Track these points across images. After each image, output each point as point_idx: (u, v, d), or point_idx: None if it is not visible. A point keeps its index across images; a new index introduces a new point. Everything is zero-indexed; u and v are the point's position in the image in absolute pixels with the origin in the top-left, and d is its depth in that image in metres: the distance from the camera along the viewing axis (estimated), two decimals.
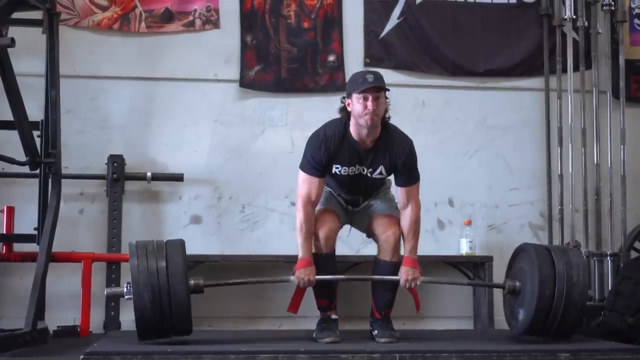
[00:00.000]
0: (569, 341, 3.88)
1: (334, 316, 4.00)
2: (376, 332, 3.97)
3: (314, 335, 3.95)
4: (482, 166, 5.48)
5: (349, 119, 3.86)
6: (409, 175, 3.94)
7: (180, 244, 3.78)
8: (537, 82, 5.59)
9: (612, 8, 5.53)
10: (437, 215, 5.40)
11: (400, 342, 3.87)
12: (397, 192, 3.99)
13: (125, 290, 3.72)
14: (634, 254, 5.35)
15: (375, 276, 4.01)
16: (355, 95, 3.78)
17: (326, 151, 3.85)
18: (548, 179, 5.48)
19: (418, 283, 3.93)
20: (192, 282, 3.77)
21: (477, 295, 5.24)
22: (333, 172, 3.92)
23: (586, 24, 5.48)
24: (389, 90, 3.86)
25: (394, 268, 3.99)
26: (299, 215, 3.87)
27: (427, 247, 5.32)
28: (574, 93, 5.42)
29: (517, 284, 4.00)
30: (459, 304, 5.31)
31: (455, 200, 5.45)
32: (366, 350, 3.50)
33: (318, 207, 3.97)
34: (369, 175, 3.94)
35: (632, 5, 5.73)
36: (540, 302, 3.80)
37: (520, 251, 4.08)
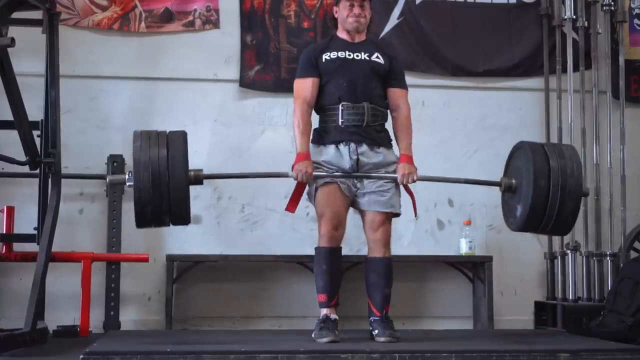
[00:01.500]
0: (570, 340, 3.88)
1: (333, 316, 4.00)
2: (376, 331, 3.97)
3: (313, 335, 3.95)
4: (481, 166, 5.48)
5: (336, 29, 4.20)
6: (399, 79, 4.18)
7: (182, 134, 3.83)
8: (536, 82, 5.60)
9: (612, 8, 5.53)
10: (437, 215, 5.41)
11: (400, 342, 3.87)
12: (389, 94, 4.15)
13: (127, 177, 3.76)
14: (633, 254, 5.36)
15: (373, 174, 4.02)
16: (342, 2, 4.10)
17: (314, 48, 4.15)
18: None
19: (415, 178, 3.99)
20: (192, 172, 3.82)
21: (477, 295, 5.25)
22: (324, 61, 4.08)
23: (586, 24, 5.49)
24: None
25: (387, 265, 4.00)
26: (296, 114, 4.05)
27: (427, 247, 5.34)
28: (574, 93, 5.42)
29: (514, 181, 4.06)
30: (459, 304, 5.31)
31: (455, 200, 5.45)
32: (366, 350, 3.51)
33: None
34: (365, 58, 4.10)
35: (632, 6, 5.73)
36: (536, 193, 3.84)
37: (516, 150, 4.13)
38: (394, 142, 4.17)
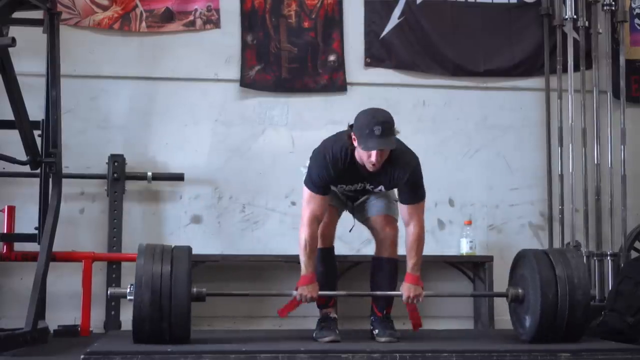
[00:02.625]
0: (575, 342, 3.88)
1: (333, 315, 4.00)
2: (377, 331, 3.97)
3: (314, 335, 3.95)
4: (482, 166, 5.49)
5: (354, 146, 3.78)
6: (413, 194, 3.89)
7: (187, 250, 3.80)
8: (537, 82, 5.59)
9: (613, 8, 5.53)
10: (438, 215, 5.41)
11: (400, 342, 3.87)
12: (400, 209, 3.96)
13: (128, 291, 3.72)
14: (634, 254, 5.35)
15: (376, 292, 4.01)
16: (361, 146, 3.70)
17: (333, 172, 3.81)
18: (548, 178, 5.48)
19: (420, 300, 3.93)
20: (194, 289, 3.77)
21: None
22: (337, 189, 3.97)
23: (587, 24, 5.48)
24: (398, 132, 3.76)
25: (393, 265, 4.01)
26: (304, 233, 3.84)
27: (428, 246, 5.26)
28: (575, 93, 5.42)
29: (520, 291, 4.01)
30: (460, 304, 5.31)
31: (456, 200, 5.45)
32: (366, 350, 3.50)
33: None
34: (369, 189, 3.96)
35: (633, 5, 5.73)
36: (545, 305, 3.81)
37: (520, 258, 4.10)
38: None
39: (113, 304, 4.91)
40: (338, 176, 3.84)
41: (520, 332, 4.04)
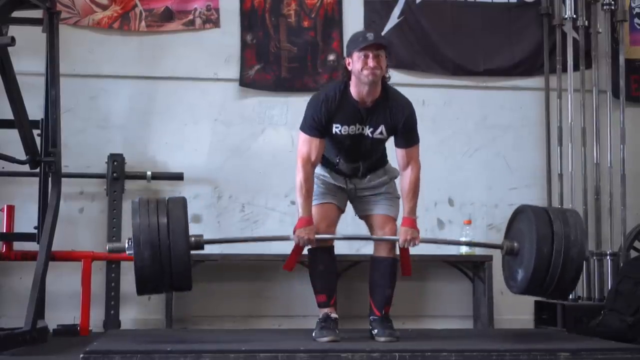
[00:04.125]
0: (570, 340, 3.88)
1: (333, 315, 4.00)
2: (376, 331, 3.97)
3: (313, 335, 3.94)
4: (482, 165, 5.49)
5: (349, 79, 3.87)
6: (409, 137, 3.94)
7: (182, 201, 3.79)
8: (537, 81, 5.60)
9: (612, 7, 5.53)
10: (437, 215, 5.41)
11: (400, 342, 3.87)
12: (397, 153, 3.99)
13: (126, 245, 3.72)
14: (633, 254, 5.35)
15: (374, 236, 4.01)
16: (355, 54, 3.78)
17: (326, 110, 3.85)
18: (548, 178, 5.48)
19: (417, 243, 3.95)
20: (192, 238, 3.77)
21: (477, 295, 5.25)
22: (333, 132, 3.91)
23: (586, 23, 5.48)
24: (388, 46, 3.90)
25: (392, 265, 4.00)
26: (299, 175, 3.89)
27: (427, 246, 5.30)
28: (574, 92, 5.42)
29: (515, 244, 4.01)
30: (459, 304, 5.31)
31: (455, 199, 5.45)
32: (366, 350, 3.50)
33: (315, 203, 3.97)
34: (369, 135, 3.93)
35: (632, 5, 5.73)
36: (539, 259, 3.81)
37: (519, 213, 4.09)
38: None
39: (112, 303, 4.91)
40: (333, 112, 3.86)
41: (511, 284, 4.08)
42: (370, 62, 3.75)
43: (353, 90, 3.86)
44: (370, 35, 3.80)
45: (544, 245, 3.82)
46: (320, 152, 3.91)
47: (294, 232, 3.89)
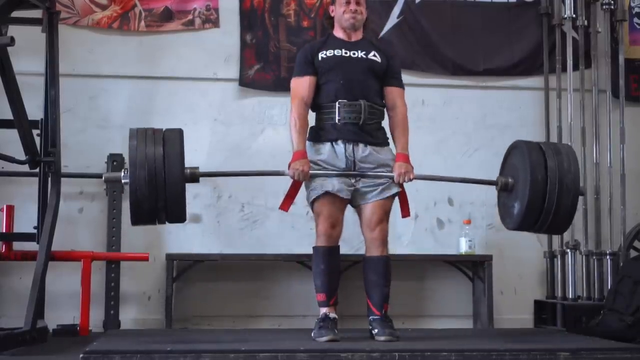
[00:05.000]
0: (570, 339, 3.88)
1: (333, 315, 4.00)
2: (376, 330, 3.97)
3: (312, 334, 3.95)
4: (481, 165, 5.47)
5: (332, 29, 4.20)
6: (397, 77, 4.18)
7: (179, 132, 3.81)
8: (536, 81, 5.60)
9: (612, 7, 5.53)
10: (437, 214, 5.41)
11: (399, 341, 3.87)
12: (385, 92, 4.15)
13: (122, 174, 3.74)
14: (633, 253, 5.36)
15: (369, 172, 3.99)
16: (338, 0, 4.13)
17: (311, 47, 4.15)
18: None
19: (411, 177, 3.99)
20: (188, 170, 3.79)
21: (477, 295, 5.25)
22: (320, 59, 4.09)
23: (586, 23, 5.48)
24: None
25: (385, 262, 4.00)
26: (293, 114, 4.06)
27: (427, 246, 5.34)
28: (574, 92, 5.42)
29: (510, 179, 4.03)
30: (459, 303, 5.31)
31: (455, 199, 5.45)
32: (365, 349, 3.50)
33: (315, 193, 3.96)
34: (362, 57, 4.10)
35: (632, 4, 5.73)
36: (533, 189, 3.83)
37: (513, 149, 4.11)
38: (390, 141, 4.15)
39: (112, 303, 4.91)
40: (319, 47, 4.14)
41: (507, 221, 4.09)
42: (352, 6, 4.08)
43: (337, 33, 4.18)
44: None
45: (538, 174, 3.84)
46: (311, 90, 4.09)
47: (289, 167, 3.94)
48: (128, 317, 5.04)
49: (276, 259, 5.04)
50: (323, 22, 5.17)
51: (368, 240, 4.04)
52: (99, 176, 5.05)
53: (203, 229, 5.23)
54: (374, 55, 4.09)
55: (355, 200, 4.07)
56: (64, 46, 4.70)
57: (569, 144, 5.33)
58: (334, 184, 3.98)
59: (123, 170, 3.76)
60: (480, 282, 5.17)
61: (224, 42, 5.34)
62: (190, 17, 5.32)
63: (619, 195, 5.38)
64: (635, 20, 5.75)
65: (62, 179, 4.50)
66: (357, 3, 4.10)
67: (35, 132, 4.44)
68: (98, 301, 4.88)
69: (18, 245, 4.81)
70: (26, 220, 4.72)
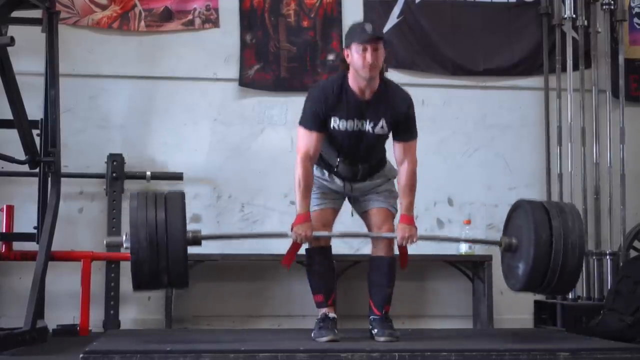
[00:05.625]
0: (569, 339, 3.87)
1: (332, 315, 3.99)
2: (375, 330, 3.96)
3: (312, 334, 3.94)
4: (481, 165, 5.49)
5: (347, 71, 3.84)
6: (408, 131, 3.91)
7: (180, 195, 3.77)
8: (536, 81, 5.60)
9: (612, 7, 5.53)
10: (437, 215, 5.41)
11: (399, 341, 3.87)
12: (394, 147, 3.96)
13: (123, 238, 3.70)
14: (633, 253, 5.35)
15: (371, 233, 3.99)
16: (354, 47, 3.75)
17: (325, 102, 3.82)
18: (547, 178, 5.49)
19: (415, 240, 3.92)
20: (190, 234, 3.76)
21: (477, 295, 5.25)
22: (332, 127, 3.86)
23: (586, 23, 5.49)
24: (386, 40, 3.88)
25: (390, 264, 4.00)
26: (298, 171, 3.85)
27: (427, 246, 5.32)
28: (574, 92, 5.42)
29: (514, 240, 3.97)
30: (459, 303, 5.31)
31: (455, 199, 5.45)
32: (365, 349, 3.50)
33: (313, 208, 3.96)
34: (369, 130, 3.88)
35: (632, 5, 5.73)
36: (538, 249, 3.77)
37: (516, 208, 4.06)
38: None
39: (112, 303, 4.91)
40: (333, 105, 3.83)
41: (512, 282, 4.02)
42: (369, 57, 3.72)
43: (352, 82, 3.83)
44: (368, 27, 3.77)
45: (542, 234, 3.79)
46: (319, 147, 3.88)
47: (292, 229, 3.88)
48: (128, 317, 5.04)
49: (276, 259, 5.01)
50: (327, 22, 5.19)
51: (374, 240, 4.04)
52: (99, 176, 5.07)
53: (203, 229, 5.17)
54: (382, 127, 3.88)
55: (358, 207, 4.09)
56: (64, 46, 4.71)
57: (569, 146, 5.34)
58: (331, 200, 4.03)
59: (124, 234, 3.69)
60: (480, 282, 5.17)
61: (224, 42, 5.34)
62: (190, 17, 5.32)
63: (619, 195, 5.38)
64: (635, 20, 5.75)
65: (62, 179, 4.51)
66: (375, 50, 3.72)
67: (35, 132, 4.44)
68: (98, 301, 4.88)
69: (18, 245, 4.81)
70: (26, 220, 4.72)
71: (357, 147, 3.92)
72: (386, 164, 4.09)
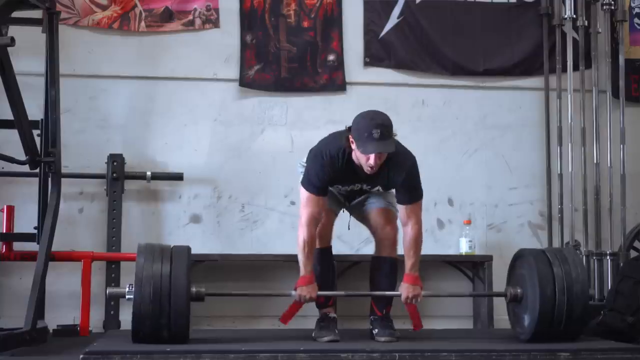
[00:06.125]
0: (569, 339, 3.88)
1: (333, 315, 4.00)
2: (376, 331, 3.97)
3: (313, 335, 3.95)
4: (481, 165, 5.48)
5: (351, 148, 3.77)
6: (410, 194, 3.90)
7: (186, 250, 3.79)
8: (536, 81, 5.59)
9: (612, 7, 5.52)
10: (437, 215, 5.40)
11: (400, 342, 3.87)
12: (399, 209, 3.96)
13: (127, 290, 3.73)
14: (633, 253, 5.35)
15: (375, 292, 4.02)
16: (359, 149, 3.70)
17: (330, 172, 3.82)
18: (548, 178, 5.48)
19: (419, 300, 3.93)
20: (194, 289, 3.77)
21: None
22: (334, 189, 3.98)
23: (586, 23, 5.48)
24: (396, 135, 3.77)
25: (392, 265, 4.00)
26: (302, 234, 3.84)
27: (427, 246, 5.29)
28: (574, 92, 5.42)
29: (519, 290, 4.01)
30: (459, 304, 5.30)
31: (455, 199, 5.45)
32: (366, 350, 3.50)
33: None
34: (366, 189, 3.98)
35: (632, 5, 5.73)
36: (543, 303, 3.81)
37: (518, 258, 4.11)
38: None
39: (112, 303, 4.90)
40: (335, 177, 3.86)
41: (519, 331, 4.04)
42: (372, 162, 3.68)
43: (355, 158, 3.79)
44: (376, 134, 3.62)
45: (546, 286, 3.82)
46: (323, 209, 3.90)
47: (295, 289, 3.89)
48: (128, 317, 4.99)
49: (276, 259, 5.03)
50: (326, 20, 5.18)
51: (377, 239, 4.04)
52: (99, 176, 5.07)
53: (203, 229, 5.23)
54: (378, 190, 3.95)
55: (358, 213, 4.11)
56: (64, 46, 4.71)
57: (569, 146, 5.34)
58: (333, 200, 4.06)
59: (128, 285, 3.72)
60: (480, 282, 5.17)
61: (224, 42, 5.33)
62: (190, 17, 5.32)
63: (619, 195, 5.38)
64: (636, 20, 5.74)
65: (63, 179, 4.50)
66: (380, 155, 3.69)
67: (35, 132, 4.44)
68: (98, 301, 4.88)
69: (18, 246, 4.81)
70: (26, 221, 4.72)
71: (355, 194, 4.04)
72: None
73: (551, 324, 3.83)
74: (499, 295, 4.27)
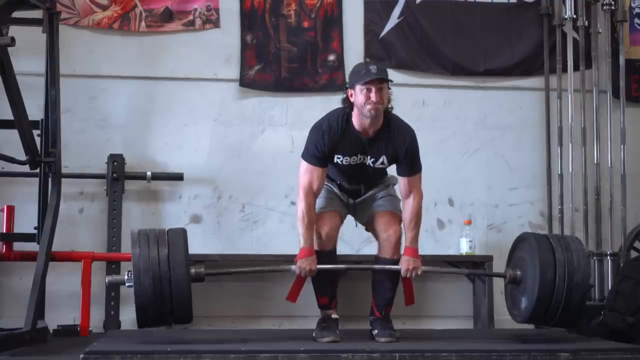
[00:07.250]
0: (570, 340, 3.88)
1: (334, 315, 4.00)
2: (376, 331, 3.97)
3: (313, 335, 3.95)
4: (482, 166, 5.49)
5: (351, 110, 3.86)
6: (411, 165, 3.94)
7: (182, 232, 3.77)
8: (537, 81, 5.59)
9: (613, 7, 5.53)
10: (437, 215, 5.40)
11: (400, 342, 3.87)
12: (399, 182, 4.00)
13: (126, 277, 3.71)
14: (634, 254, 5.35)
15: (376, 265, 4.01)
16: (358, 87, 3.77)
17: (329, 141, 3.85)
18: (548, 178, 5.48)
19: (419, 272, 3.92)
20: (193, 270, 3.75)
21: (477, 295, 5.24)
22: (335, 161, 3.93)
23: (586, 23, 5.48)
24: (392, 81, 3.86)
25: (395, 265, 4.00)
26: (301, 205, 3.88)
27: (427, 246, 5.32)
28: (574, 92, 5.42)
29: (518, 272, 4.00)
30: (459, 304, 5.31)
31: (455, 199, 5.45)
32: (366, 350, 3.50)
33: (319, 209, 3.97)
34: (370, 164, 3.94)
35: (632, 5, 5.73)
36: (542, 286, 3.80)
37: (520, 241, 4.09)
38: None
39: (112, 303, 4.91)
40: (336, 143, 3.87)
41: (515, 314, 4.05)
42: (373, 97, 3.74)
43: (355, 121, 3.85)
44: (373, 68, 3.78)
45: (547, 271, 3.81)
46: (322, 181, 3.92)
47: (295, 263, 3.88)
48: (128, 317, 5.03)
49: (276, 259, 5.02)
50: (327, 22, 5.18)
51: (381, 239, 4.04)
52: (99, 176, 5.07)
53: (203, 230, 5.23)
54: (382, 163, 3.94)
55: (362, 217, 4.11)
56: (64, 46, 4.70)
57: (570, 146, 5.34)
58: (338, 204, 4.07)
59: (127, 272, 3.70)
60: (480, 282, 5.17)
61: (224, 42, 5.33)
62: (190, 17, 5.32)
63: (620, 195, 5.38)
64: (636, 20, 5.74)
65: (63, 180, 4.50)
66: (380, 90, 3.75)
67: (35, 132, 4.44)
68: (98, 301, 4.88)
69: (18, 246, 4.81)
70: (26, 221, 4.72)
71: (358, 175, 4.00)
72: (386, 174, 4.13)
73: (548, 309, 3.83)
74: (498, 275, 4.27)
